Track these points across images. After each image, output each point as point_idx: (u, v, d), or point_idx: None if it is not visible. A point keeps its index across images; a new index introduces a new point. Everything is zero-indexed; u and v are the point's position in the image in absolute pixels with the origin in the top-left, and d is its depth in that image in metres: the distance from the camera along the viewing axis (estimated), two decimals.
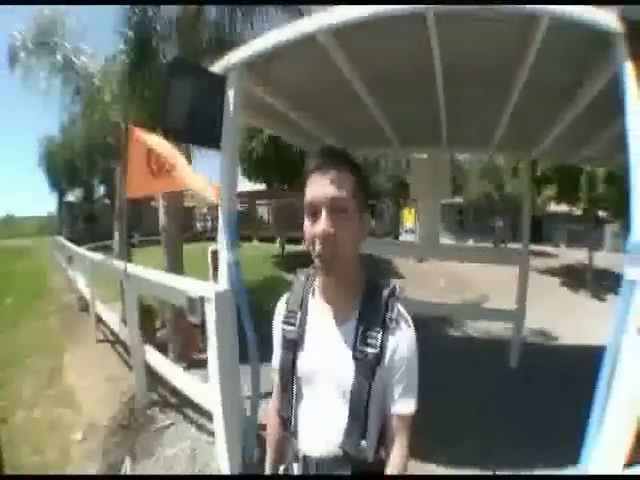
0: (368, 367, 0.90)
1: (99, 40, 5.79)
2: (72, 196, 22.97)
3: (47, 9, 5.22)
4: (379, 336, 0.90)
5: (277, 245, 15.03)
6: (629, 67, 1.62)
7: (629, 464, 1.52)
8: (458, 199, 22.08)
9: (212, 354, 2.21)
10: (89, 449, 3.03)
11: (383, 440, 0.97)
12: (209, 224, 22.78)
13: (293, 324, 1.01)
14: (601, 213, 12.33)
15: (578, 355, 5.00)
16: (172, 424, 3.22)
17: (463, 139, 4.40)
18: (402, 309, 0.95)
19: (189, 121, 2.22)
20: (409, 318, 0.96)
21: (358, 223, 0.91)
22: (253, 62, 2.35)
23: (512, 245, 17.50)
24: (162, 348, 4.12)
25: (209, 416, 2.97)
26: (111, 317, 5.18)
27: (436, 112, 3.34)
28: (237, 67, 2.36)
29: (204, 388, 2.51)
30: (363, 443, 0.91)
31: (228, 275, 2.30)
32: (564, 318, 7.65)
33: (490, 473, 2.64)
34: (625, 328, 1.53)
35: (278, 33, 2.18)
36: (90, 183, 20.59)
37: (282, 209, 16.29)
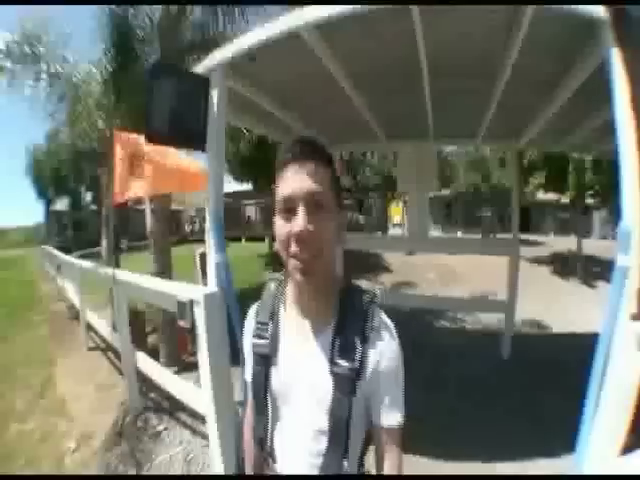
0: (347, 382, 0.81)
1: (81, 46, 5.72)
2: (59, 205, 22.76)
3: (31, 18, 5.14)
4: (358, 348, 0.82)
5: (266, 244, 15.03)
6: (615, 53, 1.60)
7: (624, 451, 1.50)
8: (445, 191, 22.21)
9: (203, 357, 2.18)
10: (83, 458, 2.98)
11: (365, 453, 0.91)
12: (197, 226, 22.73)
13: (264, 337, 0.92)
14: (589, 200, 12.42)
15: (570, 343, 5.09)
16: (166, 429, 3.19)
17: (450, 131, 4.38)
18: (384, 317, 0.88)
19: (173, 124, 2.19)
20: (391, 326, 0.88)
21: (336, 220, 0.83)
22: (236, 61, 2.32)
23: (500, 235, 17.71)
24: (153, 353, 4.09)
25: (203, 420, 2.95)
26: (101, 324, 5.12)
27: (422, 105, 3.33)
28: (220, 67, 2.33)
29: (196, 392, 2.49)
30: (345, 465, 0.84)
31: (217, 276, 2.28)
32: (554, 306, 7.75)
33: (488, 467, 2.64)
34: (618, 314, 1.53)
35: (261, 31, 2.15)
36: (77, 191, 20.47)
37: (269, 208, 16.24)
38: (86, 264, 5.61)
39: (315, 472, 0.85)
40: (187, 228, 23.24)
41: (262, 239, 16.17)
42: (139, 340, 4.23)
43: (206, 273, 2.40)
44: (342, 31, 2.11)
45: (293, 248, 0.78)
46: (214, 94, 2.34)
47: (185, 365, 4.37)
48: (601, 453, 1.56)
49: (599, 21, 1.65)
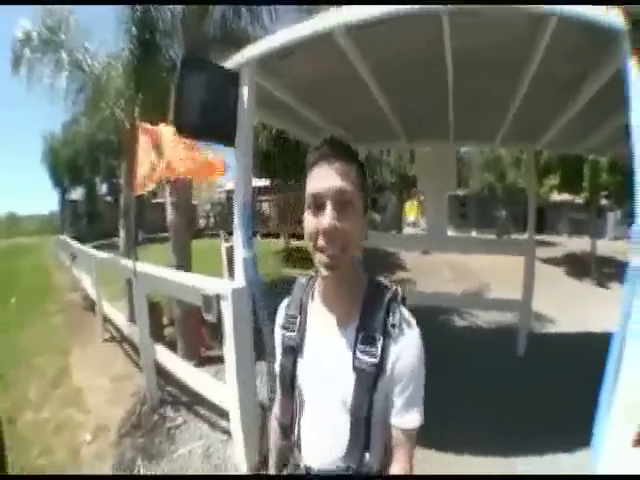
0: (369, 377, 0.83)
1: (103, 37, 5.76)
2: (74, 194, 23.01)
3: (54, 7, 5.18)
4: (379, 344, 0.83)
5: (282, 241, 14.99)
6: (632, 62, 1.71)
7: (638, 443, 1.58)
8: (460, 191, 22.07)
9: (229, 352, 2.18)
10: (99, 450, 2.99)
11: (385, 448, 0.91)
12: (212, 220, 22.78)
13: (292, 330, 0.96)
14: (603, 202, 12.25)
15: (583, 342, 5.13)
16: (185, 422, 3.20)
17: (470, 132, 4.37)
18: (406, 313, 0.88)
19: (203, 117, 2.19)
20: (414, 323, 0.89)
21: (363, 219, 0.87)
22: (266, 59, 2.32)
23: (515, 236, 17.56)
24: (170, 345, 4.10)
25: (221, 413, 2.97)
26: (118, 316, 5.17)
27: (444, 106, 3.34)
28: (251, 63, 2.33)
29: (220, 386, 2.49)
30: (367, 457, 0.85)
31: (244, 271, 2.27)
32: (569, 306, 7.65)
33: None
34: (632, 314, 1.58)
35: (292, 30, 2.16)
36: (93, 181, 20.63)
37: (286, 204, 16.22)
38: (103, 255, 5.66)
39: (338, 464, 0.86)
40: (201, 223, 23.26)
41: (277, 236, 16.12)
42: (156, 333, 4.23)
43: (233, 267, 2.39)
44: (371, 31, 2.11)
45: (320, 243, 0.81)
46: (244, 90, 2.34)
47: (202, 360, 4.37)
48: (616, 446, 1.62)
49: (618, 31, 1.74)
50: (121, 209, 6.10)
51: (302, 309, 0.97)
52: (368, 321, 0.86)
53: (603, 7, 1.79)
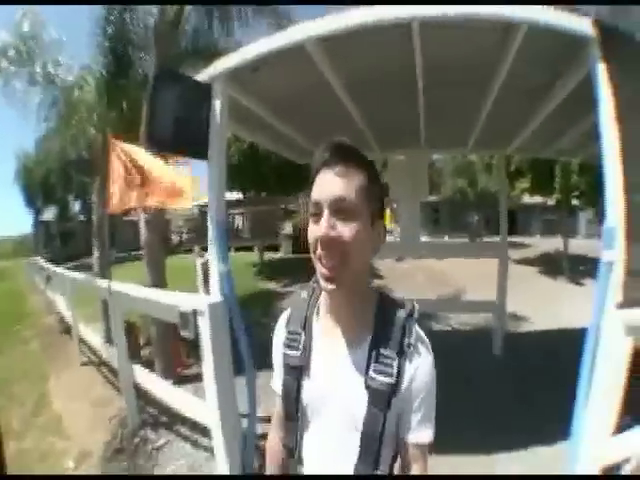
0: (383, 397, 0.80)
1: (76, 52, 5.71)
2: (47, 214, 22.36)
3: (27, 18, 5.09)
4: (395, 363, 0.80)
5: (255, 253, 14.94)
6: (601, 68, 1.79)
7: (616, 432, 1.68)
8: (433, 197, 22.45)
9: (208, 367, 2.15)
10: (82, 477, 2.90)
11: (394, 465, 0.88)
12: (184, 236, 22.44)
13: (296, 348, 0.90)
14: (575, 202, 12.64)
15: (560, 338, 5.30)
16: (167, 443, 3.12)
17: (441, 139, 4.48)
18: (420, 332, 0.86)
19: (176, 130, 2.18)
20: (427, 341, 0.87)
21: (369, 230, 0.79)
22: (238, 71, 2.33)
23: (487, 239, 17.96)
24: (148, 366, 4.01)
25: (203, 432, 2.91)
26: (94, 338, 5.02)
27: (416, 115, 3.41)
28: (223, 76, 2.33)
29: (200, 404, 2.44)
30: (376, 473, 0.83)
31: (220, 286, 2.26)
32: (543, 304, 7.84)
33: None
34: (605, 304, 1.69)
35: (263, 43, 2.18)
36: (65, 200, 20.09)
37: (258, 217, 16.17)
38: (78, 276, 5.51)
39: None
40: (175, 239, 22.85)
41: (250, 249, 16.03)
42: (133, 353, 4.14)
43: (209, 282, 2.38)
44: (342, 42, 2.14)
45: (318, 252, 0.78)
46: (216, 102, 2.34)
47: (181, 379, 4.29)
48: (595, 435, 1.71)
49: (588, 38, 1.82)
50: (94, 227, 5.96)
51: (306, 326, 0.91)
52: (382, 340, 0.82)
53: (572, 14, 1.87)
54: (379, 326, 0.84)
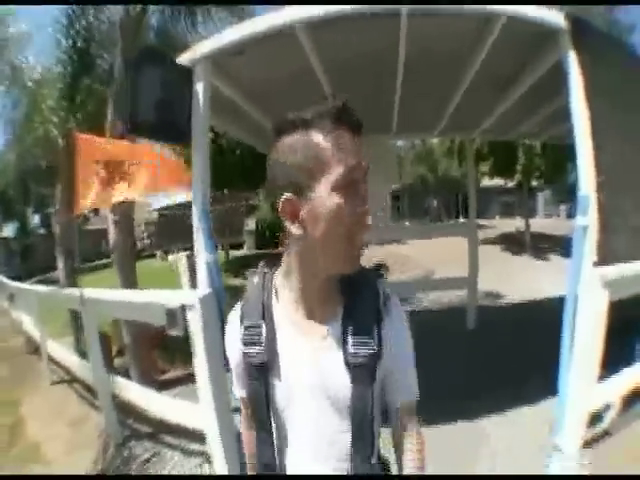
0: (367, 371, 0.73)
1: (39, 47, 5.38)
2: (6, 231, 21.10)
3: None
4: (374, 328, 0.74)
5: (220, 253, 14.74)
6: (572, 58, 1.98)
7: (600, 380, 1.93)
8: (394, 185, 22.95)
9: (201, 366, 2.00)
10: None
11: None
12: (145, 242, 21.76)
13: (258, 342, 0.77)
14: (534, 183, 13.21)
15: (531, 309, 5.60)
16: (155, 454, 2.91)
17: (411, 125, 4.52)
18: (387, 289, 0.80)
19: (158, 116, 2.06)
20: (397, 297, 0.82)
21: None
22: (219, 56, 2.23)
23: (448, 222, 18.51)
24: (122, 376, 3.75)
25: (193, 438, 2.75)
26: (64, 354, 4.68)
27: (391, 102, 3.47)
28: (204, 60, 2.22)
29: (192, 407, 2.27)
30: (374, 461, 0.77)
31: (208, 276, 2.12)
32: (511, 279, 8.11)
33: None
34: (582, 264, 1.88)
35: (245, 26, 2.14)
36: (25, 214, 19.06)
37: (223, 215, 15.90)
38: (44, 289, 5.13)
39: (344, 472, 0.76)
40: (139, 244, 21.93)
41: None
42: (108, 365, 3.87)
43: (194, 277, 2.24)
44: (327, 29, 2.13)
45: (356, 233, 0.68)
46: (199, 87, 2.22)
47: (160, 384, 4.05)
48: (580, 385, 1.89)
49: (560, 30, 2.02)
50: (56, 237, 5.57)
51: (265, 314, 0.78)
52: (357, 309, 0.76)
53: (545, 7, 2.04)
54: (349, 295, 0.78)
